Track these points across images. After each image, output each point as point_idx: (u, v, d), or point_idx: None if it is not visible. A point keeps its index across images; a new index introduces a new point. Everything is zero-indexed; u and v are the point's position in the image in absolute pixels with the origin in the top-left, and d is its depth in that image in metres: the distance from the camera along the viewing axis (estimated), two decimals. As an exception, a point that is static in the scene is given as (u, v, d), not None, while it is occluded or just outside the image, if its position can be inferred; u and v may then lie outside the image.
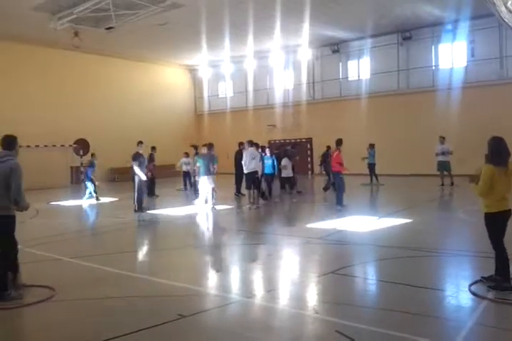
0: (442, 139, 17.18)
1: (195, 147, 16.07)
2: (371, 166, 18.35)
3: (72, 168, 23.23)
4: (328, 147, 16.56)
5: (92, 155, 16.05)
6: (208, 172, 12.30)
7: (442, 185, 16.69)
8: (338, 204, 11.75)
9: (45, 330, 4.50)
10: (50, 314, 4.86)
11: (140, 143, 12.47)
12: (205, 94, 31.28)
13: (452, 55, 22.07)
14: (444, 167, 16.84)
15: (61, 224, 11.08)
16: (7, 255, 5.25)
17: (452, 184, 16.58)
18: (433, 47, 22.41)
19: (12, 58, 22.06)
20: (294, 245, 8.09)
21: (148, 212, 12.22)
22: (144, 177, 12.08)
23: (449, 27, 21.30)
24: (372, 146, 18.64)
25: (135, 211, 12.16)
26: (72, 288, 5.53)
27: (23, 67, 22.50)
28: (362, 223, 9.69)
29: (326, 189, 16.00)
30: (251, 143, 12.88)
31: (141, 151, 12.38)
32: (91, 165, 15.27)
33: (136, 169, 11.95)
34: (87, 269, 6.51)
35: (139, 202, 12.25)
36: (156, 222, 11.34)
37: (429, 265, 6.44)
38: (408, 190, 17.45)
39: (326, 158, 16.25)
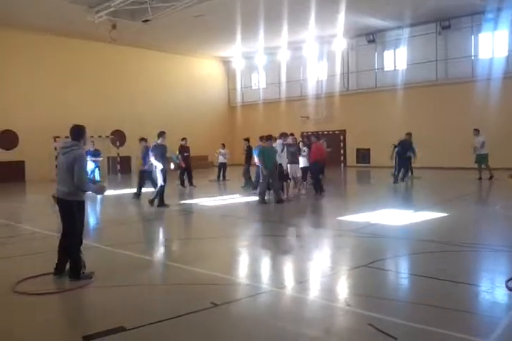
0: (476, 132, 16.67)
1: (143, 139, 14.26)
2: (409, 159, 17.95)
3: (108, 158, 23.78)
4: (409, 134, 16.21)
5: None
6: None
7: (480, 178, 16.25)
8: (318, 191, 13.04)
9: (81, 315, 4.70)
10: (87, 300, 5.05)
11: (162, 133, 11.75)
12: (239, 86, 31.34)
13: (493, 45, 21.35)
14: (481, 160, 16.37)
15: (96, 213, 11.39)
16: (74, 237, 5.52)
17: (491, 177, 16.10)
18: (473, 36, 21.74)
19: (50, 51, 22.66)
20: (326, 237, 8.07)
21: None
22: (160, 167, 11.45)
23: (490, 15, 20.60)
24: None
25: (158, 206, 11.50)
26: (108, 275, 5.69)
27: (61, 59, 23.09)
28: (396, 216, 9.57)
29: (402, 179, 15.67)
30: (284, 135, 12.81)
31: (160, 142, 11.70)
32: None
33: (152, 160, 11.60)
34: (123, 257, 6.68)
35: (161, 195, 11.60)
36: (191, 212, 11.51)
37: (464, 260, 6.30)
38: (445, 183, 17.09)
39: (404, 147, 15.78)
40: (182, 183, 16.25)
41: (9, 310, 4.67)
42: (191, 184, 16.24)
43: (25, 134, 21.43)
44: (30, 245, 7.67)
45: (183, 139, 16.75)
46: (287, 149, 12.63)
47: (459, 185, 15.86)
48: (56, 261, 5.58)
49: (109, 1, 17.94)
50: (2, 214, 11.32)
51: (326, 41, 25.36)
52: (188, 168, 16.21)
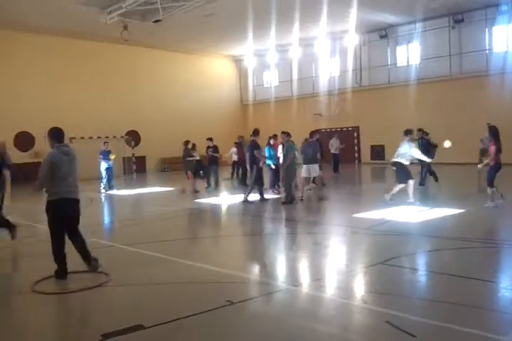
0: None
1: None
2: None
3: (124, 158, 23.95)
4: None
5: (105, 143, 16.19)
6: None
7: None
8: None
9: (100, 313, 4.73)
10: (105, 298, 5.09)
11: (257, 131, 12.40)
12: (251, 84, 31.33)
13: (507, 38, 21.04)
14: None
15: (113, 213, 11.50)
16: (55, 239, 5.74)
17: None
18: (487, 29, 21.43)
19: (63, 52, 22.85)
20: (341, 235, 8.04)
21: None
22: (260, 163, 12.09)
23: (504, 8, 20.30)
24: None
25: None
26: (124, 274, 5.75)
27: (74, 61, 23.28)
28: (412, 213, 9.49)
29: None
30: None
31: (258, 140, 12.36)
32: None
33: (246, 155, 12.34)
34: (138, 256, 6.73)
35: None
36: (204, 210, 11.55)
37: (482, 256, 6.24)
38: (461, 179, 16.88)
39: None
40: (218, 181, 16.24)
41: (28, 309, 4.75)
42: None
43: (41, 135, 21.65)
44: (48, 245, 7.74)
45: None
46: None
47: (475, 181, 15.65)
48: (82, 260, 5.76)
49: (120, 2, 18.06)
50: (21, 215, 11.45)
51: (338, 37, 25.21)
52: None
